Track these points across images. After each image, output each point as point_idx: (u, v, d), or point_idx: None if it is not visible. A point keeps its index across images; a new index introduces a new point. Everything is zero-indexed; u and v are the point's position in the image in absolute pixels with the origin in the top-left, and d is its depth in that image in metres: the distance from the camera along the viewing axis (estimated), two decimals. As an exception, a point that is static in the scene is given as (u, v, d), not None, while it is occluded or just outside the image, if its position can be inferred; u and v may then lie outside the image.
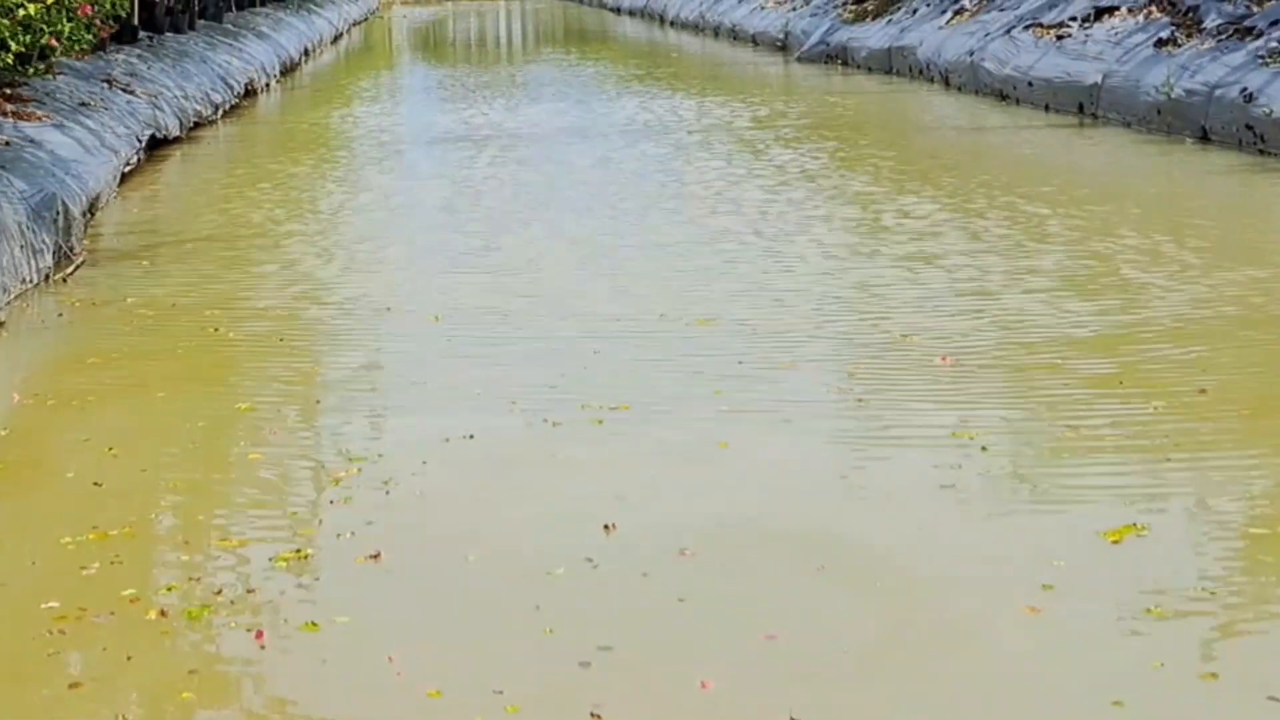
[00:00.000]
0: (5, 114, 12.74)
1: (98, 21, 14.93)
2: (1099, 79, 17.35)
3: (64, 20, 12.50)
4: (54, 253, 10.13)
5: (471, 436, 6.55)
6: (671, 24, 43.24)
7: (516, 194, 13.19)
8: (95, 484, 6.12)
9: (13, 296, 9.04)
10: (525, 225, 11.70)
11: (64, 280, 9.82)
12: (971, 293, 9.04)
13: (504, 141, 16.83)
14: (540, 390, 7.25)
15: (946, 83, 21.74)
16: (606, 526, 5.50)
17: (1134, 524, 5.42)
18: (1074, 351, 7.73)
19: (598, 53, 33.06)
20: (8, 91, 13.57)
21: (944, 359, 7.56)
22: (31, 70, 14.16)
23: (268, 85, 24.91)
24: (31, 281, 9.55)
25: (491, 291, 9.39)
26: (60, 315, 9.00)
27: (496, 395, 7.18)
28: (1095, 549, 5.28)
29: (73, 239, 10.67)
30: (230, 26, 26.61)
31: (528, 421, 6.77)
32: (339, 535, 5.50)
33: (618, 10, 54.01)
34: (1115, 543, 5.30)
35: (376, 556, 5.28)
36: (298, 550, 5.36)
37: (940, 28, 23.30)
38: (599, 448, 6.48)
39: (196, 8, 24.95)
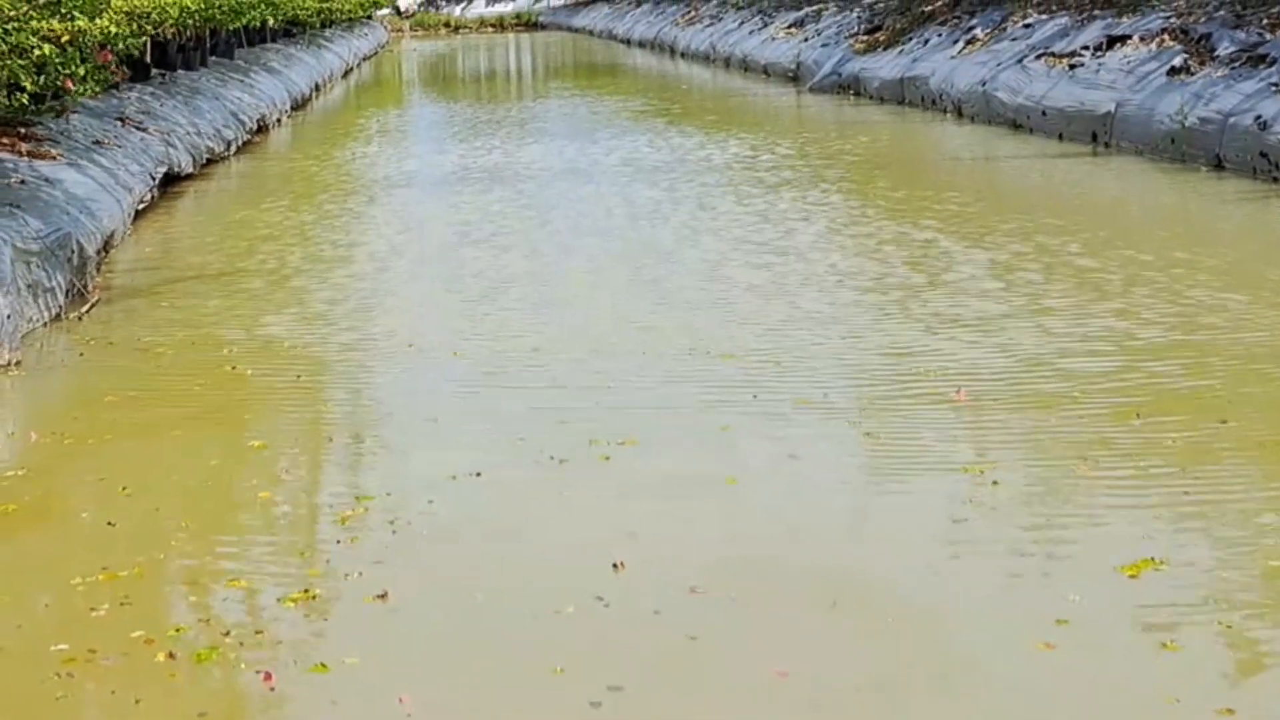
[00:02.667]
0: (20, 153, 12.77)
1: (114, 65, 14.97)
2: (1112, 108, 17.35)
3: (78, 62, 12.54)
4: (69, 291, 10.14)
5: (479, 474, 6.53)
6: (682, 55, 43.32)
7: (531, 234, 13.16)
8: (109, 524, 6.12)
9: (26, 335, 9.03)
10: (542, 266, 11.69)
11: (80, 319, 9.83)
12: (987, 328, 9.00)
13: (514, 182, 16.72)
14: (550, 426, 7.23)
15: (959, 113, 21.75)
16: (616, 564, 5.48)
17: (1151, 558, 5.39)
18: (1090, 384, 7.70)
19: (608, 87, 33.07)
20: (22, 131, 13.61)
21: (959, 393, 7.54)
22: (46, 109, 14.20)
23: (279, 121, 24.97)
24: (47, 320, 9.56)
25: (508, 329, 9.36)
26: (81, 355, 9.00)
27: (506, 431, 7.17)
28: (1111, 583, 5.25)
29: (87, 277, 10.69)
30: (242, 63, 26.68)
31: (535, 458, 6.75)
32: (347, 575, 5.48)
33: (628, 42, 54.14)
34: (1132, 577, 5.26)
35: (384, 596, 5.27)
36: (306, 590, 5.34)
37: (952, 58, 23.33)
38: (607, 484, 6.45)
39: (208, 45, 25.02)
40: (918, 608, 5.19)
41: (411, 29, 78.37)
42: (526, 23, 79.88)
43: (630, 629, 5.06)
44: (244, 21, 24.45)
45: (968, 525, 5.85)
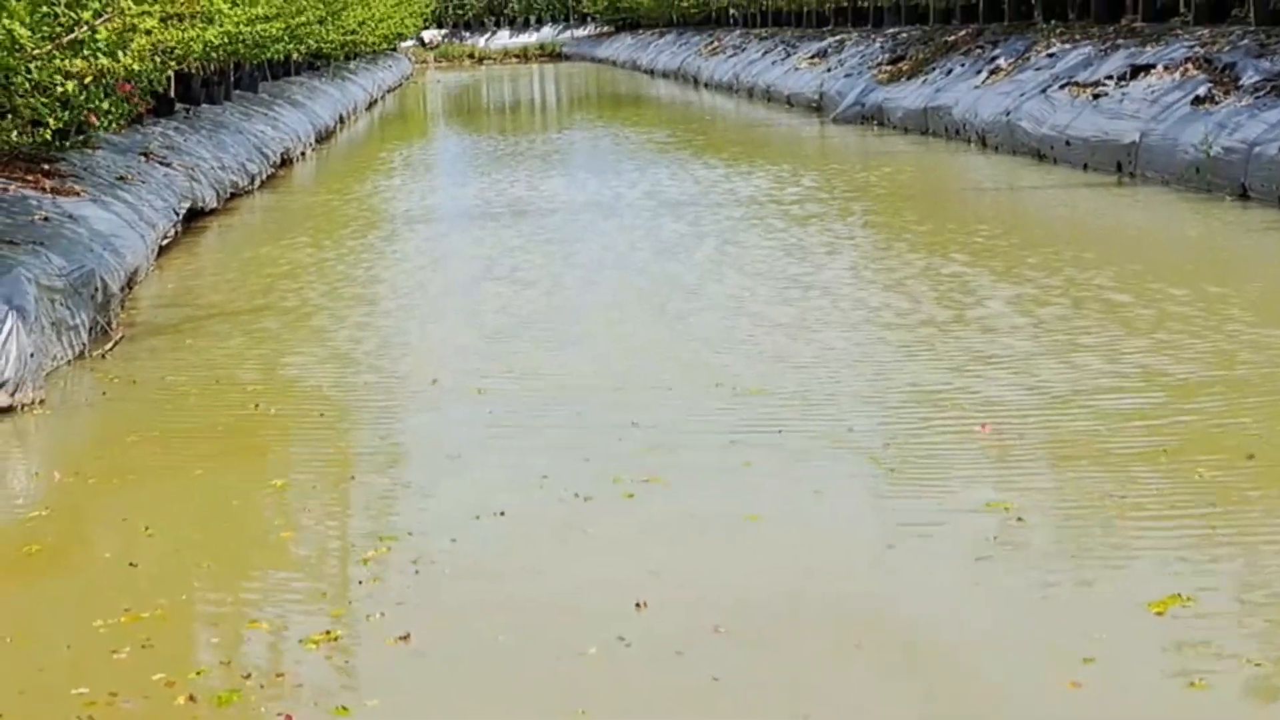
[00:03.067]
0: (45, 190, 12.80)
1: (135, 97, 15.00)
2: (1137, 137, 17.32)
3: (102, 97, 12.58)
4: (92, 329, 10.14)
5: (502, 513, 6.50)
6: (705, 85, 43.42)
7: (554, 269, 13.12)
8: (131, 564, 6.10)
9: (50, 374, 9.03)
10: (565, 301, 11.65)
11: (103, 356, 9.82)
12: (1016, 365, 8.88)
13: (537, 216, 16.65)
14: (574, 464, 7.21)
15: (983, 143, 21.72)
16: (638, 604, 5.44)
17: (1179, 594, 5.34)
18: (1116, 419, 7.64)
19: (632, 118, 33.11)
20: (46, 167, 13.65)
21: (984, 427, 7.49)
22: (70, 145, 14.24)
23: (303, 154, 25.03)
24: (71, 358, 9.56)
25: (531, 366, 9.33)
26: (104, 394, 8.98)
27: (530, 469, 7.14)
28: (1138, 621, 5.20)
29: (111, 315, 10.70)
30: (265, 96, 26.79)
31: (559, 496, 6.72)
32: (369, 616, 5.46)
33: (651, 72, 54.31)
34: (1159, 614, 5.22)
35: (407, 638, 5.24)
36: (328, 632, 5.31)
37: (975, 87, 23.32)
38: (630, 522, 6.42)
39: (232, 78, 25.11)
40: (943, 647, 5.15)
41: (436, 60, 78.72)
42: (550, 53, 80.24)
43: (652, 670, 5.02)
44: (268, 55, 24.51)
45: (993, 563, 5.80)
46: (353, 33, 36.31)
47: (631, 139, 27.14)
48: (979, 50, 25.36)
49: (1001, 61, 23.64)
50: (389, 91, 48.16)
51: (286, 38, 23.47)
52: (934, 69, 25.97)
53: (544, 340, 10.10)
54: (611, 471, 6.99)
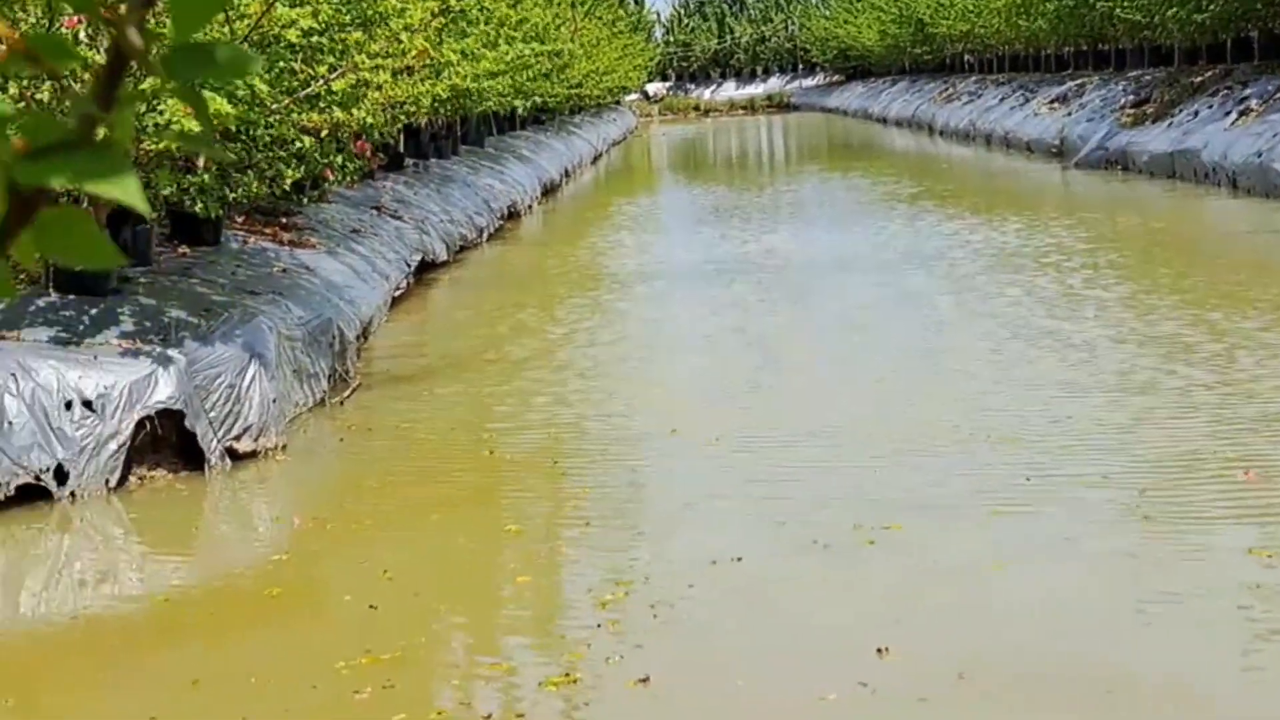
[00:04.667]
0: (282, 242, 13.05)
1: (370, 153, 15.25)
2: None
3: (335, 151, 12.78)
4: (330, 377, 10.29)
5: (740, 559, 6.40)
6: (940, 133, 43.04)
7: (793, 326, 12.96)
8: (371, 607, 6.12)
9: (292, 420, 9.17)
10: (802, 357, 11.47)
11: (341, 404, 9.95)
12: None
13: (772, 272, 16.30)
14: (813, 511, 7.08)
15: (1234, 185, 21.10)
16: (880, 650, 5.31)
17: None
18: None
19: (865, 168, 32.77)
20: (283, 220, 13.92)
21: (1248, 474, 7.20)
22: (306, 200, 14.50)
23: (530, 207, 25.24)
24: (311, 405, 9.70)
25: (768, 417, 9.18)
26: (341, 440, 9.09)
27: (767, 516, 7.04)
28: None
29: (348, 363, 10.85)
30: (492, 150, 27.10)
31: (797, 543, 6.61)
32: (607, 659, 5.40)
33: (884, 120, 54.03)
34: None
35: (646, 680, 5.17)
36: (566, 674, 5.27)
37: (1225, 129, 22.71)
38: (871, 569, 6.28)
39: (459, 133, 25.44)
40: (1200, 697, 4.94)
41: (660, 113, 79.17)
42: (778, 104, 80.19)
43: (896, 716, 4.90)
44: (493, 107, 24.70)
45: (1254, 610, 5.57)
46: (577, 86, 36.66)
47: (866, 190, 26.88)
48: (1227, 91, 24.71)
49: (1253, 102, 22.99)
50: (613, 145, 48.49)
51: (513, 93, 23.73)
52: (1180, 111, 25.40)
53: (782, 393, 9.96)
54: (852, 519, 6.85)
